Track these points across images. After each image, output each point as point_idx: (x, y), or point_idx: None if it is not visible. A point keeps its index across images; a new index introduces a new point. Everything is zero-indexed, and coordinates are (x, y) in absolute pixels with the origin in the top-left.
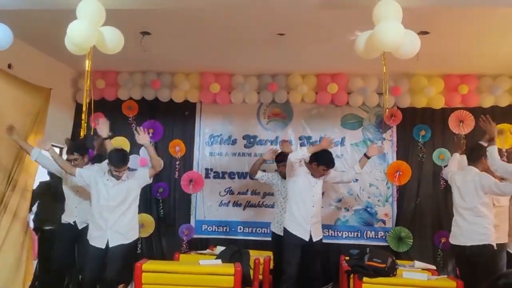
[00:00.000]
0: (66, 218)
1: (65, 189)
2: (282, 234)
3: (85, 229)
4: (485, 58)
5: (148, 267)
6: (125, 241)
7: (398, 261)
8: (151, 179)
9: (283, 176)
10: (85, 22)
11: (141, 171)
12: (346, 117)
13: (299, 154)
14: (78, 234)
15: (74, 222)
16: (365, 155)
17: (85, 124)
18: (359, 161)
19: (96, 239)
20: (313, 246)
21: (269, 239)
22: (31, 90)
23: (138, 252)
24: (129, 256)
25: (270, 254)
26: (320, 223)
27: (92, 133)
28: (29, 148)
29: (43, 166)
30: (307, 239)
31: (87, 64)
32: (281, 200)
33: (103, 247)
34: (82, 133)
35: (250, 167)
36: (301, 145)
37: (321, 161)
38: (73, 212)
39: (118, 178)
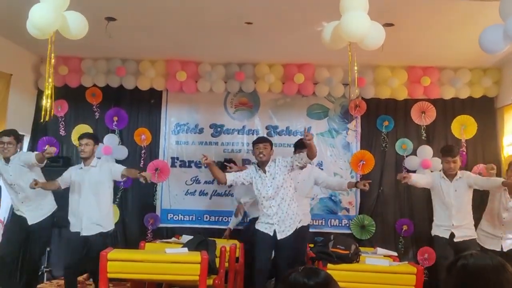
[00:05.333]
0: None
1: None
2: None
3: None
4: (446, 51)
5: (114, 256)
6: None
7: (361, 248)
8: (123, 178)
9: (264, 163)
10: (48, 5)
11: (117, 166)
12: (312, 107)
13: None
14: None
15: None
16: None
17: (48, 111)
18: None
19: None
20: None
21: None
22: None
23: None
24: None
25: (235, 242)
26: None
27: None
28: None
29: None
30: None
31: (49, 49)
32: (261, 198)
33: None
34: (43, 119)
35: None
36: (268, 134)
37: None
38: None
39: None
